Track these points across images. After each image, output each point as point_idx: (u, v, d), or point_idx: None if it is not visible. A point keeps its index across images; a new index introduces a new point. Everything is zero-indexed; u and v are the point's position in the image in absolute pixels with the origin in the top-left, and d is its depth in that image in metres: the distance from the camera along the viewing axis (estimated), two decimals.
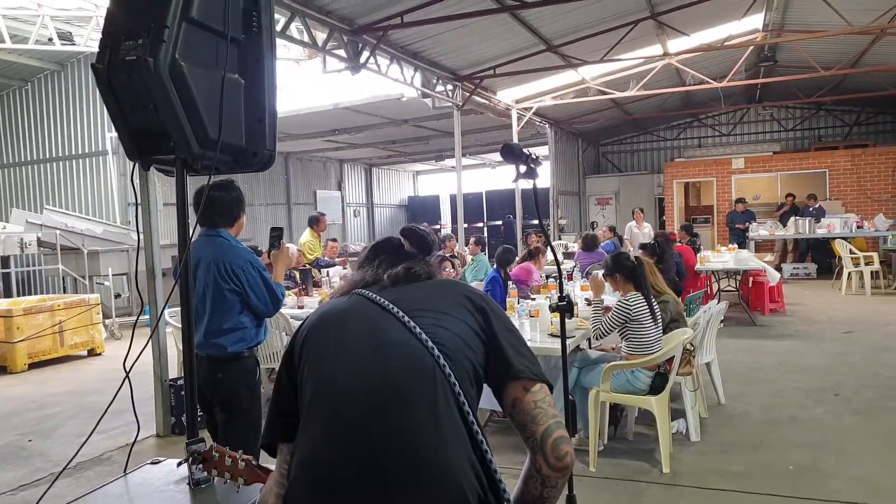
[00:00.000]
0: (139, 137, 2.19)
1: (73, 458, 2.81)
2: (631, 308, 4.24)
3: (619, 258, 4.55)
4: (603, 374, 4.18)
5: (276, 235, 3.34)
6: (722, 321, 8.49)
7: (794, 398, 5.52)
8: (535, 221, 19.42)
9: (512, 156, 2.13)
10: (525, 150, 2.14)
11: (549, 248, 6.62)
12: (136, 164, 2.30)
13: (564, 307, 2.38)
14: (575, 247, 11.78)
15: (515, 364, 1.38)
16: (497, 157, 21.08)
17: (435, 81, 10.97)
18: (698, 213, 17.47)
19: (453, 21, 8.55)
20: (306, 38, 7.99)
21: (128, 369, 2.09)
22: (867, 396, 5.50)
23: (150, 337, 3.21)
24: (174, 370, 5.77)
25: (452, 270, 5.64)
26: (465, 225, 19.29)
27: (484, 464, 1.28)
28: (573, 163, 19.38)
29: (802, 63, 13.30)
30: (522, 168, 2.13)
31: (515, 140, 14.22)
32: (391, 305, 1.38)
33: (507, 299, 5.49)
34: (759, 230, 13.45)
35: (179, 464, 2.02)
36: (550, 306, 3.48)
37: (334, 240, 9.75)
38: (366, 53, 8.71)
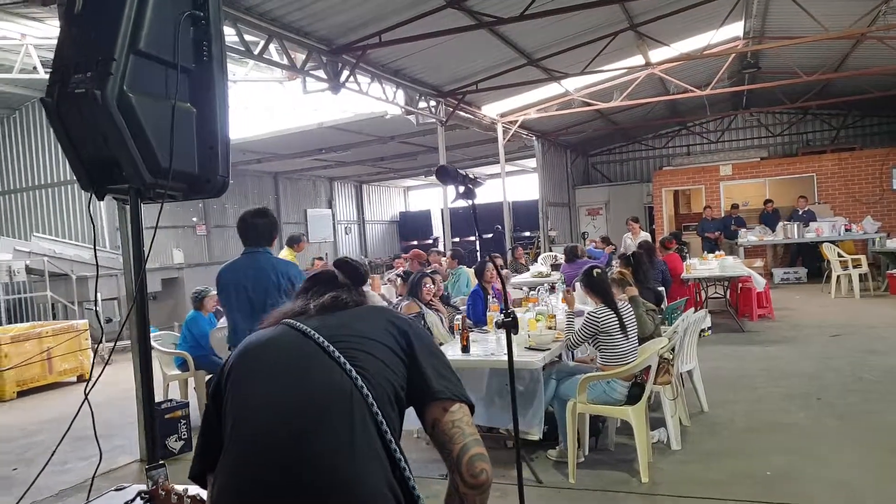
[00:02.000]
0: (92, 168, 2.23)
1: (33, 485, 2.81)
2: (598, 321, 4.29)
3: (587, 271, 4.60)
4: (578, 386, 4.20)
5: None
6: (710, 328, 8.59)
7: (778, 404, 5.53)
8: (527, 233, 19.52)
9: (448, 177, 2.16)
10: (462, 171, 2.17)
11: (496, 265, 6.66)
12: (91, 194, 2.34)
13: (509, 324, 2.40)
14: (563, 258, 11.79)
15: (435, 385, 1.41)
16: (487, 170, 21.21)
17: (418, 98, 11.05)
18: (689, 220, 17.53)
19: (432, 38, 8.65)
20: (286, 61, 8.07)
21: (87, 393, 2.11)
22: (850, 401, 5.51)
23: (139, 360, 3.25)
24: (161, 393, 5.78)
25: (433, 286, 5.66)
26: (457, 238, 19.43)
27: (403, 485, 1.31)
28: (562, 174, 19.47)
29: (786, 69, 13.44)
30: (461, 188, 2.16)
31: (502, 153, 14.34)
32: (313, 332, 1.42)
33: (488, 313, 5.51)
34: (748, 236, 13.49)
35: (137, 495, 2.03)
36: (496, 322, 3.50)
37: (321, 258, 9.79)
38: (346, 73, 8.79)
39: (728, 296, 9.60)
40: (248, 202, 16.71)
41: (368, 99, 10.15)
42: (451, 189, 2.26)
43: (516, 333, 3.31)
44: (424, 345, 1.49)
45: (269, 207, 18.30)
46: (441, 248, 13.02)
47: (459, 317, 4.73)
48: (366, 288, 1.72)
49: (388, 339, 1.45)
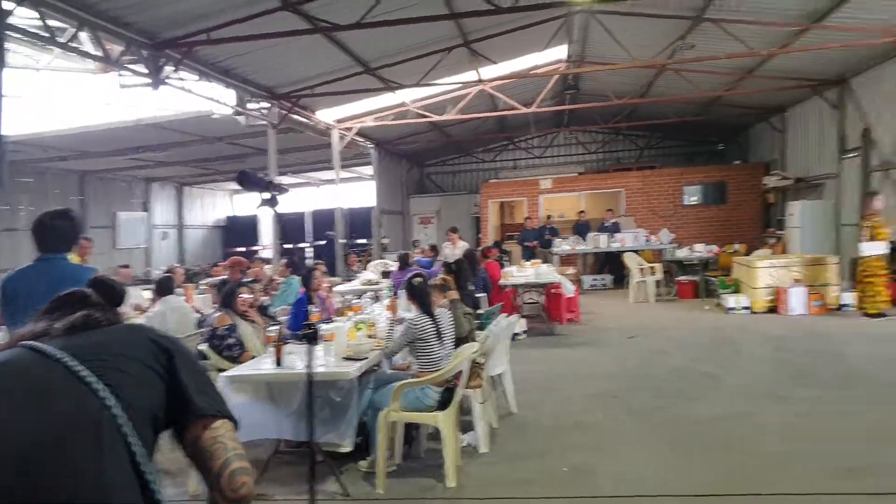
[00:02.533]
0: None
1: None
2: (415, 327, 4.39)
3: (409, 279, 4.70)
4: (393, 394, 4.26)
5: None
6: (525, 332, 9.11)
7: (580, 404, 5.98)
8: (362, 241, 19.50)
9: (250, 183, 2.10)
10: (265, 177, 2.12)
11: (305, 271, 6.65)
12: None
13: (311, 335, 2.38)
14: (395, 266, 11.93)
15: (196, 402, 1.37)
16: (323, 175, 20.93)
17: (249, 99, 10.64)
18: (513, 230, 18.50)
19: (266, 40, 8.38)
20: (99, 52, 7.39)
21: None
22: (641, 398, 6.09)
23: None
24: None
25: (249, 296, 5.45)
26: (289, 245, 18.95)
27: None
28: (397, 182, 19.72)
29: (601, 92, 14.69)
30: (265, 195, 2.11)
31: (338, 159, 14.21)
32: (58, 353, 1.30)
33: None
34: (563, 245, 14.51)
35: None
36: (298, 335, 3.48)
37: (126, 266, 9.06)
38: (168, 68, 8.24)
39: (542, 301, 10.24)
40: (48, 203, 15.00)
41: (194, 97, 9.60)
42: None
43: (316, 345, 3.28)
44: (186, 362, 1.43)
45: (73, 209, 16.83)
46: (269, 255, 12.58)
47: (274, 328, 4.59)
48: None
49: (146, 357, 1.37)
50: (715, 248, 13.10)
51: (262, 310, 5.94)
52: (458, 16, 9.03)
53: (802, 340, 8.12)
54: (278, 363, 4.35)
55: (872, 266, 9.10)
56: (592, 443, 4.95)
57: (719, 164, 18.94)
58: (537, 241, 15.03)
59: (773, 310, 10.08)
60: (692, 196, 17.02)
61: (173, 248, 20.70)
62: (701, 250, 12.84)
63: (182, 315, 6.42)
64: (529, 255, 14.08)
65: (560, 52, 13.19)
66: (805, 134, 14.66)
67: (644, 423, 5.40)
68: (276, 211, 2.25)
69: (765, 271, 10.25)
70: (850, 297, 9.79)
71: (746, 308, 10.24)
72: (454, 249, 10.66)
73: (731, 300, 10.37)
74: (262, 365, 4.54)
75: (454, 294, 5.44)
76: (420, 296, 4.64)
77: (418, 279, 4.78)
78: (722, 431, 5.06)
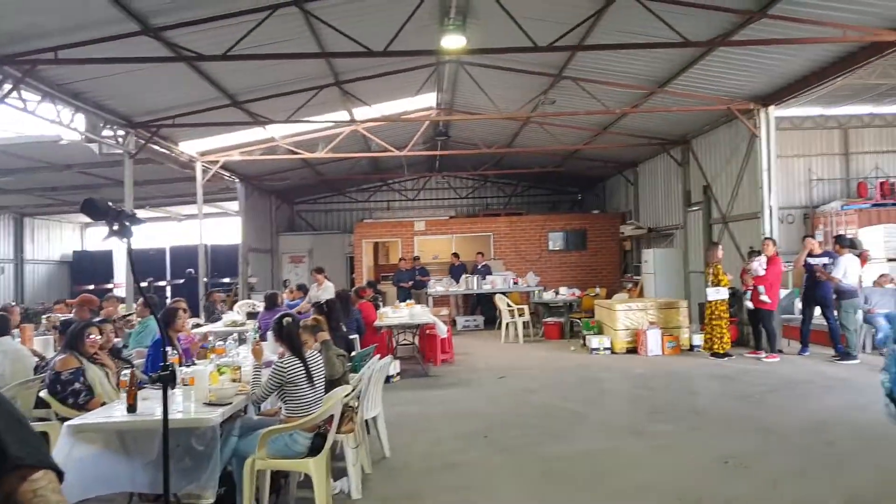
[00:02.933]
0: None
1: None
2: (285, 370, 4.20)
3: (278, 320, 4.50)
4: (259, 440, 4.01)
5: None
6: (399, 374, 9.02)
7: (452, 444, 5.96)
8: (226, 279, 18.60)
9: (96, 212, 1.91)
10: (115, 206, 1.94)
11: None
12: None
13: (167, 377, 2.18)
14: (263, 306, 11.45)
15: (12, 451, 1.22)
16: (184, 209, 19.87)
17: (102, 126, 9.92)
18: (386, 270, 18.49)
19: (123, 64, 7.89)
20: None
21: None
22: (511, 435, 6.19)
23: None
24: None
25: (100, 337, 4.96)
26: (145, 283, 17.68)
27: None
28: (266, 219, 19.13)
29: (471, 140, 15.25)
30: (115, 225, 1.92)
31: (201, 193, 13.56)
32: None
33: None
34: (437, 286, 14.68)
35: None
36: (152, 377, 3.22)
37: None
38: (7, 86, 7.52)
39: (417, 342, 10.23)
40: None
41: (38, 120, 8.80)
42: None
43: (173, 388, 3.02)
44: (2, 409, 1.28)
45: None
46: (122, 293, 11.62)
47: (127, 372, 4.20)
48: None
49: None
50: (578, 292, 13.78)
51: (116, 352, 5.44)
52: (330, 55, 9.03)
53: (659, 378, 8.66)
54: (131, 409, 3.97)
55: (718, 310, 9.96)
56: (464, 483, 4.93)
57: (580, 212, 20.15)
58: (412, 282, 15.10)
59: (632, 350, 10.69)
60: (556, 242, 17.92)
61: (10, 284, 18.63)
62: (565, 293, 13.47)
63: (17, 359, 5.73)
64: (405, 295, 14.08)
65: (431, 99, 13.56)
66: (655, 187, 16.00)
67: (513, 460, 5.47)
68: (128, 244, 2.04)
69: (623, 314, 10.90)
70: (698, 339, 10.62)
71: (608, 349, 10.80)
72: (319, 291, 10.38)
73: (594, 341, 10.89)
74: (114, 412, 4.12)
75: (325, 335, 5.28)
76: (289, 337, 4.45)
77: (288, 319, 4.59)
78: (587, 466, 5.24)
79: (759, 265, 9.74)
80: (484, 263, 15.79)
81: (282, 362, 4.26)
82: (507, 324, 12.59)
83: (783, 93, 9.93)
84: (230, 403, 4.22)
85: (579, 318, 12.60)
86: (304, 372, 4.26)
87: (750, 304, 9.93)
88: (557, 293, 13.55)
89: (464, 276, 14.86)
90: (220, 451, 4.03)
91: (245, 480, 3.93)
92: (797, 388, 7.79)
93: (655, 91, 10.77)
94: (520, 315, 12.65)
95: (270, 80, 10.12)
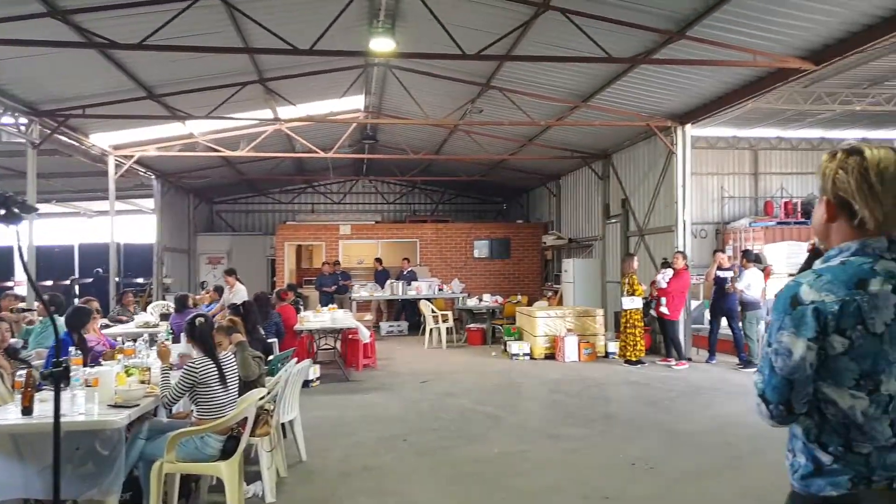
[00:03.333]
0: None
1: None
2: (197, 371, 4.06)
3: (191, 321, 4.36)
4: (168, 443, 3.85)
5: None
6: (318, 378, 8.89)
7: (370, 448, 5.92)
8: (139, 280, 17.80)
9: None
10: (4, 192, 1.82)
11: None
12: None
13: (59, 374, 2.07)
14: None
15: None
16: (95, 205, 18.90)
17: (2, 112, 9.31)
18: (310, 274, 18.18)
19: (25, 47, 7.40)
20: None
21: None
22: (429, 439, 6.21)
23: None
24: None
25: None
26: (50, 282, 16.68)
27: None
28: (183, 218, 18.44)
29: (398, 145, 15.21)
30: (2, 211, 1.80)
31: (113, 189, 12.95)
32: None
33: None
34: (361, 291, 14.56)
35: None
36: (43, 373, 3.06)
37: None
38: None
39: (339, 347, 10.09)
40: None
41: None
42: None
43: (66, 386, 2.87)
44: None
45: None
46: (23, 291, 10.89)
47: (23, 372, 3.94)
48: None
49: None
50: (500, 299, 13.98)
51: (12, 352, 5.10)
52: (254, 51, 8.82)
53: (574, 384, 8.88)
54: (27, 412, 3.73)
55: (633, 318, 10.33)
56: (379, 486, 4.92)
57: (505, 222, 20.46)
58: (335, 286, 14.90)
59: (551, 356, 10.93)
60: (481, 250, 18.12)
61: None
62: (488, 300, 13.64)
63: None
64: (328, 300, 13.87)
65: (359, 101, 13.46)
66: (576, 199, 16.47)
67: (429, 463, 5.49)
68: (16, 234, 1.91)
69: (543, 321, 11.13)
70: (614, 346, 10.97)
71: (528, 354, 11.00)
72: (230, 294, 10.07)
73: (515, 347, 11.07)
74: (7, 414, 3.87)
75: (240, 337, 5.15)
76: (202, 338, 4.30)
77: (200, 319, 4.44)
78: (500, 468, 5.33)
79: (662, 278, 10.18)
80: (410, 269, 15.78)
81: (194, 363, 4.12)
82: (431, 329, 12.62)
83: (699, 112, 10.43)
84: (137, 405, 4.04)
85: (501, 325, 12.77)
86: (216, 373, 4.13)
87: (654, 313, 10.39)
88: (481, 300, 13.71)
89: (389, 282, 14.81)
90: (126, 454, 3.86)
91: (152, 484, 3.77)
92: (703, 393, 8.17)
93: (579, 105, 11.10)
94: (444, 321, 12.70)
95: (191, 73, 9.78)
